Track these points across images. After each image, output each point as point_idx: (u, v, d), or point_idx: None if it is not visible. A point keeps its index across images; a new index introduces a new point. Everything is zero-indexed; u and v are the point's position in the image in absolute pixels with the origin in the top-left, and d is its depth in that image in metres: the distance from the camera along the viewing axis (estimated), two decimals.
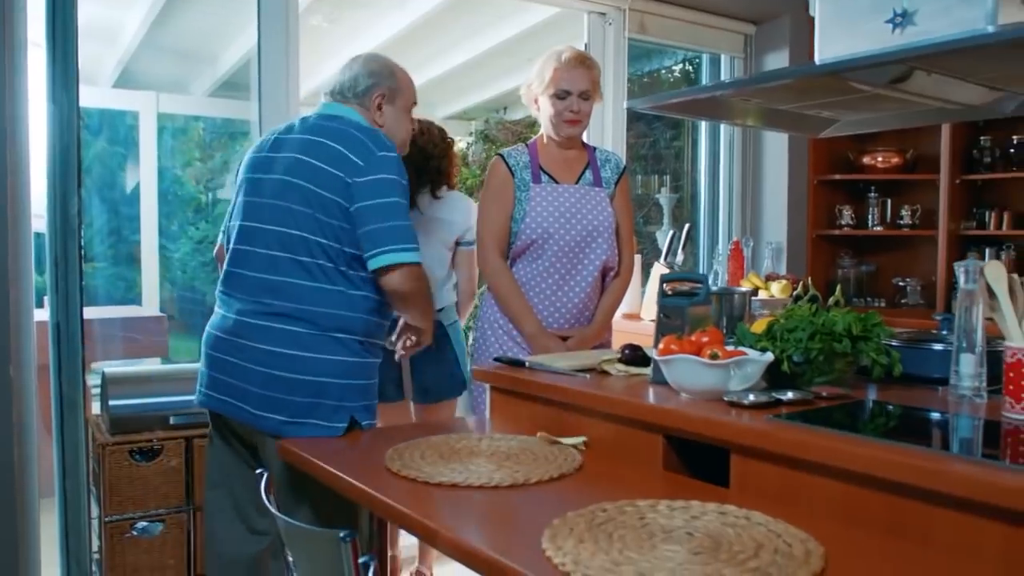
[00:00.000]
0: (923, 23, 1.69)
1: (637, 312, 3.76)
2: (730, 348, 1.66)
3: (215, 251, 2.22)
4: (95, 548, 2.57)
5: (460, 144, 8.62)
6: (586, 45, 3.95)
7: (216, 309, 2.04)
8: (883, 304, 4.45)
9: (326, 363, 1.90)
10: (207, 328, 2.03)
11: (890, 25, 1.76)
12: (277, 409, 1.88)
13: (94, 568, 2.59)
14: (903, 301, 4.42)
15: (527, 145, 2.61)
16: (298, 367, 1.88)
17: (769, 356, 1.66)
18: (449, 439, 1.77)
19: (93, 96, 5.25)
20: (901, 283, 4.45)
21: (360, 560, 1.13)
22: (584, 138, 2.92)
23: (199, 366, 2.04)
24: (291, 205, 1.93)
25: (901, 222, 4.48)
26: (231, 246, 2.03)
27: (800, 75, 1.87)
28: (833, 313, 1.75)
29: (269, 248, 1.94)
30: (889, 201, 4.57)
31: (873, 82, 1.81)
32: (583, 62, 2.50)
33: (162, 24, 4.94)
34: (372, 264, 1.90)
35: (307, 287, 1.91)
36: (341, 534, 1.20)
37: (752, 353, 1.66)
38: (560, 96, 2.47)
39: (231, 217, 2.08)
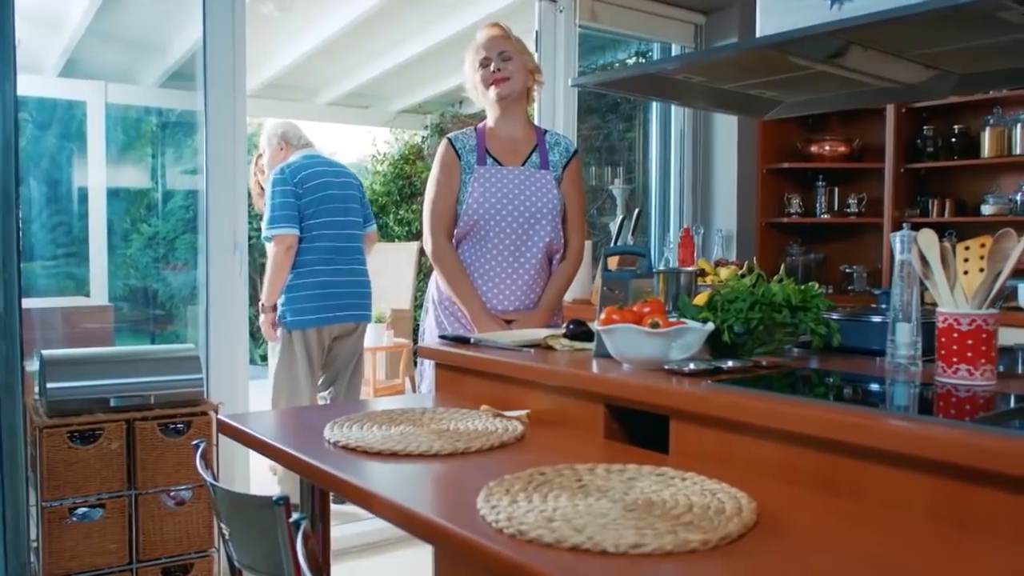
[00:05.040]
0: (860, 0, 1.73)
1: (589, 298, 3.78)
2: (672, 319, 1.67)
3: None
4: (33, 536, 2.51)
5: (415, 138, 8.60)
6: (537, 33, 3.96)
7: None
8: (831, 291, 4.53)
9: None
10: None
11: (828, 2, 1.79)
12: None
13: (32, 558, 2.53)
14: (850, 288, 4.49)
15: (476, 129, 2.61)
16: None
17: (710, 326, 1.67)
18: (391, 413, 1.76)
19: (38, 85, 5.12)
20: (848, 270, 4.53)
21: (291, 520, 1.11)
22: (536, 121, 2.92)
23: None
24: None
25: (848, 210, 4.56)
26: None
27: (741, 49, 1.89)
28: (773, 284, 1.77)
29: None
30: (836, 189, 4.65)
31: (812, 56, 1.83)
32: (495, 28, 2.58)
33: (108, 11, 4.84)
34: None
35: None
36: (275, 498, 1.19)
37: (692, 323, 1.67)
38: (484, 64, 2.54)
39: None
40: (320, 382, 3.75)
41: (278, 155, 3.79)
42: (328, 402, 3.72)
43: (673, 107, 4.65)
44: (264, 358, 7.55)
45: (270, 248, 3.55)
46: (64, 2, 4.96)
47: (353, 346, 3.77)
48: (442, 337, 2.16)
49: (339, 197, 3.68)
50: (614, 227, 4.13)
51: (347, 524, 3.57)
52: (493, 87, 2.52)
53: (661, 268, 2.31)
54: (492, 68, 2.52)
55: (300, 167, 3.63)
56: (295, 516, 1.10)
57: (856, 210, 4.55)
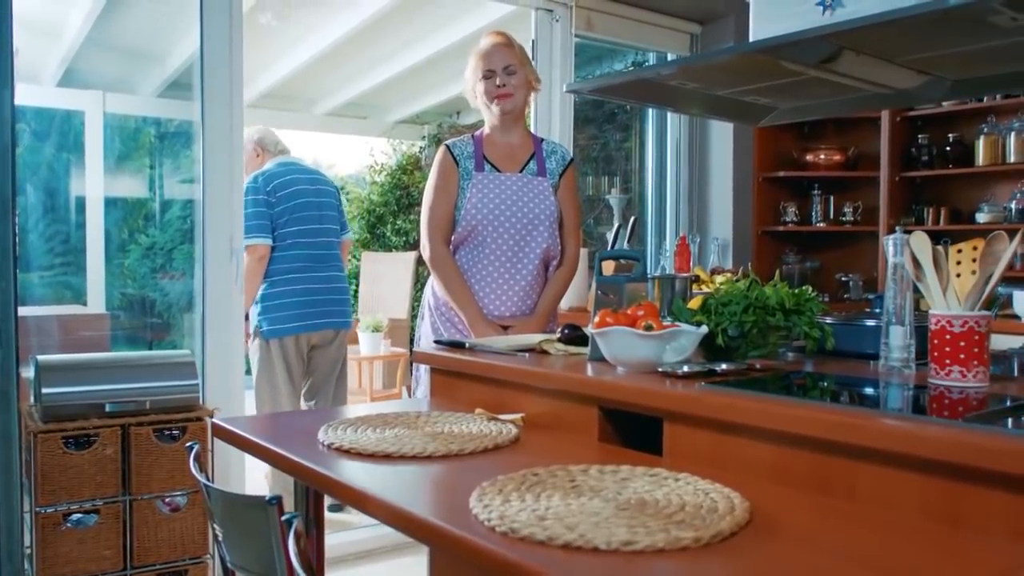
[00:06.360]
0: (851, 5, 1.74)
1: (585, 306, 3.78)
2: (667, 323, 1.67)
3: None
4: (27, 543, 2.50)
5: (413, 149, 8.62)
6: (533, 42, 3.98)
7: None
8: (827, 299, 4.53)
9: None
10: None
11: (820, 7, 1.80)
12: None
13: (26, 564, 2.52)
14: (846, 296, 4.50)
15: (473, 136, 2.62)
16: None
17: (703, 329, 1.67)
18: (385, 416, 1.76)
19: (36, 95, 5.12)
20: (844, 278, 4.54)
21: (283, 518, 1.11)
22: (532, 129, 2.93)
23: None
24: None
25: (844, 218, 4.57)
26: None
27: (733, 53, 1.90)
28: (767, 288, 1.78)
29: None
30: (832, 198, 4.67)
31: (804, 62, 1.84)
32: (501, 39, 2.57)
33: (107, 21, 4.85)
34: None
35: None
36: (267, 498, 1.19)
37: (686, 326, 1.67)
38: (487, 76, 2.53)
39: None
40: (304, 392, 3.73)
41: (254, 161, 3.76)
42: None
43: (669, 116, 4.66)
44: None
45: (243, 258, 3.47)
46: (63, 11, 4.98)
47: (334, 355, 3.72)
48: (437, 342, 2.17)
49: (314, 204, 3.65)
50: (611, 236, 4.14)
51: (341, 532, 3.56)
52: (497, 102, 2.53)
53: (656, 274, 2.32)
54: (497, 83, 2.52)
55: (273, 175, 3.62)
56: (287, 514, 1.10)
57: (852, 218, 4.56)
